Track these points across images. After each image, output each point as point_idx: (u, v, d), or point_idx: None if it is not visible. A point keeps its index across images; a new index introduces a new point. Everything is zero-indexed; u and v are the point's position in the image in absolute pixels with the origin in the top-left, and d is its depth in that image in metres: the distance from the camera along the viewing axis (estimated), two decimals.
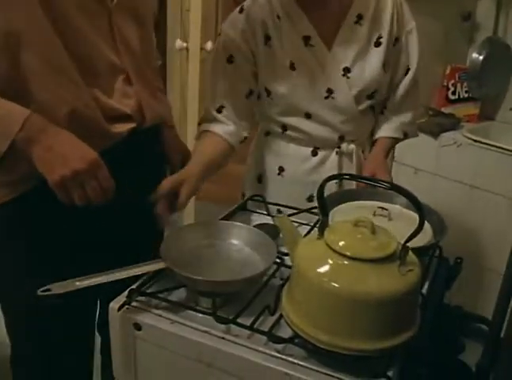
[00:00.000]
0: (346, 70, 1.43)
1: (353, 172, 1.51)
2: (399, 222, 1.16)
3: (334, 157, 1.51)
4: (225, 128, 1.43)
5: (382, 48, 1.44)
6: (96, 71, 1.14)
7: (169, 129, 1.43)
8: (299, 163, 1.53)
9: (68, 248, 1.21)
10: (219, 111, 1.44)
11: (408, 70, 1.51)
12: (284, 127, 1.51)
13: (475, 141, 2.23)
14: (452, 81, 2.47)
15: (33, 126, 1.01)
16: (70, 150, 1.03)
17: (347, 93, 1.44)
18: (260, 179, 1.60)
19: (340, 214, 1.20)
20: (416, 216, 0.87)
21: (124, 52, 1.19)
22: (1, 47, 1.02)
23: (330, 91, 1.44)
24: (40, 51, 1.05)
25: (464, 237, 2.21)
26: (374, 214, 1.19)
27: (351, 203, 1.28)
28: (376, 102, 1.51)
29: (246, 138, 1.48)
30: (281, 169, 1.55)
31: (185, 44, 2.77)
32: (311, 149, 1.51)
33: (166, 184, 1.18)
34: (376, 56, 1.44)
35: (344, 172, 1.50)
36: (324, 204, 0.93)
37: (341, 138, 1.50)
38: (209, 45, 2.69)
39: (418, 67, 1.51)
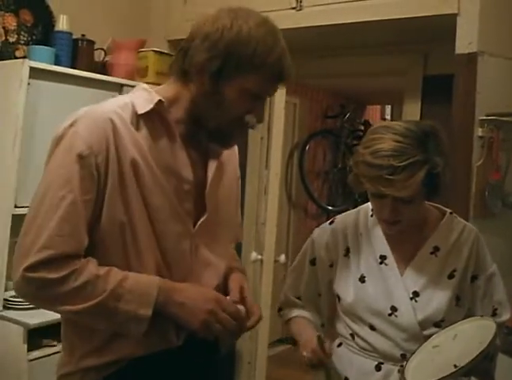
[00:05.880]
0: (415, 294, 1.47)
1: None
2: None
3: (396, 374, 1.46)
4: (306, 312, 1.63)
5: (455, 281, 1.47)
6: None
7: None
8: (363, 376, 1.51)
9: None
10: (298, 298, 1.64)
11: (496, 310, 1.51)
12: (353, 335, 1.54)
13: None
14: None
15: (165, 289, 1.19)
16: (195, 297, 1.22)
17: (411, 316, 1.46)
18: None
19: None
20: None
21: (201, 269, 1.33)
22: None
23: (394, 309, 1.47)
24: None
25: None
26: None
27: None
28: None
29: (323, 325, 1.65)
30: None
31: (259, 257, 2.88)
32: (375, 363, 1.50)
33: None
34: (447, 287, 1.47)
35: None
36: None
37: (404, 356, 1.45)
38: (282, 258, 2.80)
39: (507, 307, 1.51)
